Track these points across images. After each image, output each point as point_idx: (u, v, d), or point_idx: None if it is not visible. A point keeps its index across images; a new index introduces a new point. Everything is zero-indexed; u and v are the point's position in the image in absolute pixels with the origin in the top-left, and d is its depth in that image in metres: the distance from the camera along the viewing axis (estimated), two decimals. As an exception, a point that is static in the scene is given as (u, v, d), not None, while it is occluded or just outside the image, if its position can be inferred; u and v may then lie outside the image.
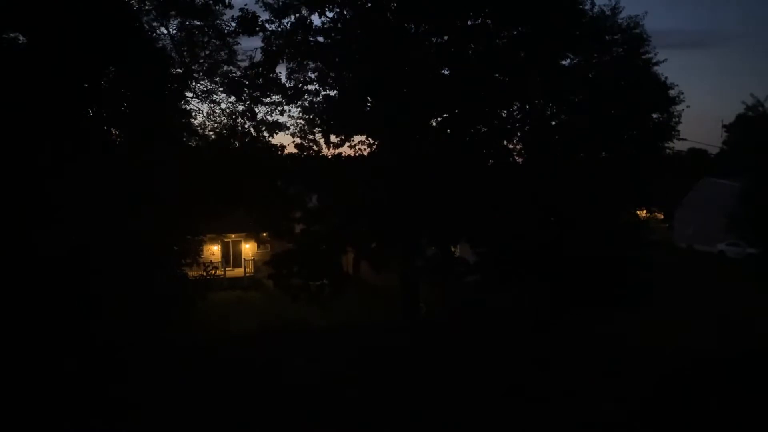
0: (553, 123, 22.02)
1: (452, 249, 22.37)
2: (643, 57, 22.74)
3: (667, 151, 23.66)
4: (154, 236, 13.16)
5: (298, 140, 21.21)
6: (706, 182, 50.06)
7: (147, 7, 16.91)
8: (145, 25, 16.92)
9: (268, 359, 16.11)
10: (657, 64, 22.92)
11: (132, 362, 12.47)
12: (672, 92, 22.79)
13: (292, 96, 20.77)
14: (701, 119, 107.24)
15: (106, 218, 11.57)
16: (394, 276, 22.01)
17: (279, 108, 20.78)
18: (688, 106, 23.16)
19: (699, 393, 13.67)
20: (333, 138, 21.19)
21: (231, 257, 41.68)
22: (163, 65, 16.06)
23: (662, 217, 61.49)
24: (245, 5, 18.23)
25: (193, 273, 16.76)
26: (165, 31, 18.15)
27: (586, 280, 17.87)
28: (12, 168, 10.74)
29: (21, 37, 13.01)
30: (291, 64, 20.45)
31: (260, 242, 33.58)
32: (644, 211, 26.25)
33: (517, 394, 13.81)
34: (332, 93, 21.14)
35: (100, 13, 12.80)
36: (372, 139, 21.20)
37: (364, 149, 21.28)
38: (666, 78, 22.78)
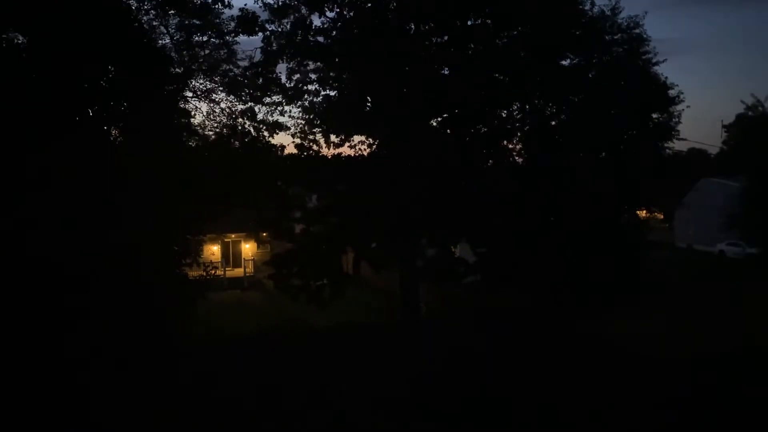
0: (553, 123, 22.02)
1: (452, 249, 22.36)
2: (643, 57, 22.74)
3: (667, 151, 23.68)
4: (154, 236, 13.14)
5: (298, 140, 21.22)
6: (706, 182, 50.02)
7: (146, 7, 16.89)
8: (145, 25, 16.89)
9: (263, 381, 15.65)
10: (657, 64, 22.95)
11: (121, 368, 12.16)
12: (672, 92, 22.82)
13: (292, 96, 20.77)
14: (701, 119, 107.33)
15: (105, 218, 11.55)
16: (395, 276, 22.00)
17: (279, 108, 20.78)
18: (688, 106, 23.32)
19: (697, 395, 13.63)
20: (333, 138, 21.23)
21: (231, 257, 41.71)
22: (163, 64, 16.04)
23: (662, 217, 61.46)
24: (245, 5, 18.23)
25: (193, 273, 16.72)
26: (164, 31, 18.13)
27: (585, 280, 17.85)
28: (9, 167, 10.72)
29: (20, 37, 13.00)
30: (291, 64, 20.47)
31: (260, 242, 33.57)
32: (644, 211, 26.20)
33: (520, 398, 13.74)
34: (332, 93, 21.16)
35: (99, 12, 12.78)
36: (372, 139, 21.22)
37: (364, 149, 21.31)
38: (666, 78, 22.82)
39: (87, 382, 11.31)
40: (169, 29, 18.18)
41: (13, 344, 10.50)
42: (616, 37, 22.43)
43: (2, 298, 10.35)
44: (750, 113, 22.45)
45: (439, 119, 21.71)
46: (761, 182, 21.84)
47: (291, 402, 13.21)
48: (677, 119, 23.49)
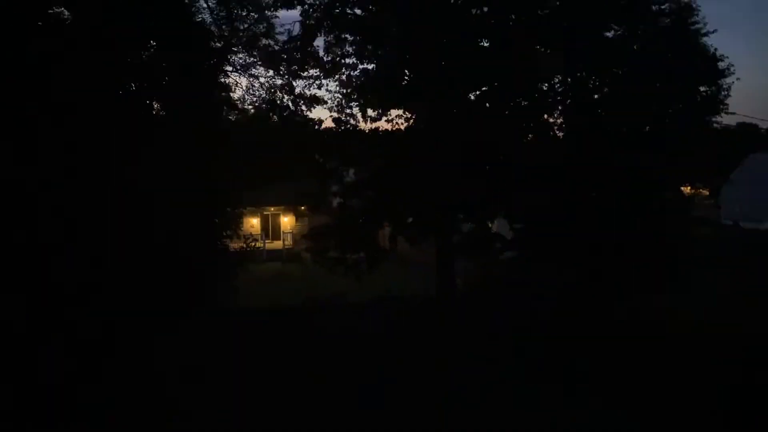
0: (596, 96, 21.45)
1: (489, 225, 22.20)
2: (692, 28, 21.84)
3: (715, 125, 22.79)
4: (196, 208, 13.44)
5: (335, 114, 21.24)
6: (755, 158, 48.37)
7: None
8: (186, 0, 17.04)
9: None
10: (706, 35, 22.00)
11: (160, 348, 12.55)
12: (722, 64, 21.89)
13: (329, 70, 20.75)
14: (754, 92, 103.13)
15: (148, 192, 11.85)
16: (432, 250, 22.02)
17: (317, 82, 20.84)
18: (738, 79, 22.08)
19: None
20: (370, 112, 21.16)
21: (270, 230, 42.44)
22: (203, 39, 16.21)
23: (708, 193, 59.74)
24: (283, -23, 18.22)
25: (234, 245, 17.08)
26: (205, 5, 18.28)
27: (627, 257, 17.51)
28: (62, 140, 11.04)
29: (66, 12, 13.28)
30: (329, 38, 20.39)
31: (298, 215, 34.03)
32: (689, 188, 25.50)
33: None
34: (370, 67, 21.03)
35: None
36: (409, 113, 21.08)
37: (402, 123, 21.20)
38: (716, 50, 21.87)
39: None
40: (210, 3, 18.33)
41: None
42: (663, 7, 21.59)
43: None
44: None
45: (478, 93, 21.40)
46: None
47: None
48: (726, 92, 22.57)
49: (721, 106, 22.43)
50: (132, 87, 14.48)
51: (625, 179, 18.34)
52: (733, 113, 25.24)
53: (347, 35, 20.50)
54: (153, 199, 11.92)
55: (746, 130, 58.97)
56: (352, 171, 22.37)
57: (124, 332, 11.36)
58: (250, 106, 20.91)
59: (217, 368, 12.95)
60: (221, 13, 18.43)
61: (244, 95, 20.65)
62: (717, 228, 45.92)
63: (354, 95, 21.13)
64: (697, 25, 21.86)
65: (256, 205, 38.47)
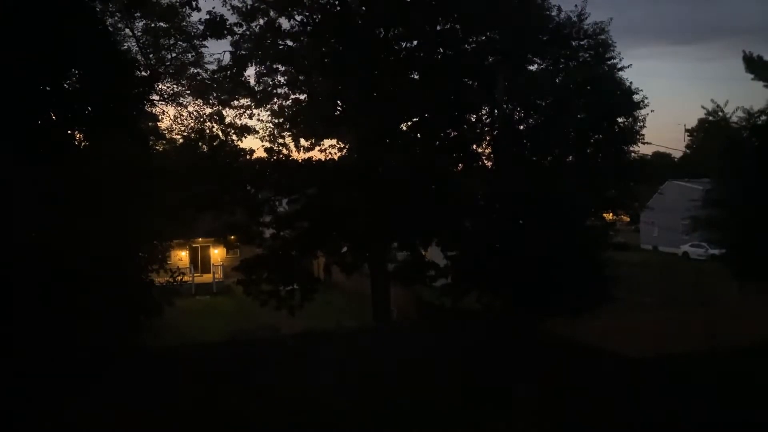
0: (521, 127, 22.20)
1: (423, 253, 22.40)
2: (609, 62, 23.02)
3: (632, 155, 23.97)
4: (119, 243, 12.86)
5: (267, 144, 21.08)
6: (670, 185, 51.12)
7: (111, 9, 16.62)
8: (110, 27, 16.62)
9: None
10: (622, 69, 23.23)
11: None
12: (636, 97, 23.08)
13: (261, 99, 20.65)
14: (665, 123, 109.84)
15: (67, 223, 11.27)
16: (366, 280, 21.96)
17: (248, 111, 20.67)
18: (652, 111, 23.29)
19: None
20: (303, 142, 21.13)
21: (200, 263, 41.23)
22: (128, 67, 15.78)
23: (628, 219, 62.50)
24: (213, 8, 18.05)
25: (160, 279, 16.40)
26: (130, 33, 17.90)
27: (552, 282, 17.97)
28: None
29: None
30: (260, 68, 20.33)
31: (229, 247, 33.24)
32: (611, 214, 26.56)
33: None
34: (302, 97, 21.06)
35: (61, 14, 12.50)
36: (342, 143, 21.17)
37: (335, 153, 21.25)
38: (631, 83, 23.09)
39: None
40: (135, 32, 17.98)
41: None
42: (582, 43, 22.69)
43: None
44: (711, 118, 22.94)
45: (410, 123, 21.77)
46: (723, 186, 22.38)
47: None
48: (642, 123, 23.79)
49: (638, 137, 23.59)
50: (52, 117, 13.89)
51: (549, 206, 18.92)
52: (649, 143, 26.58)
53: (279, 66, 20.51)
54: (75, 236, 11.32)
55: (661, 159, 62.48)
56: (284, 201, 22.16)
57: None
58: (179, 136, 20.51)
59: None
60: (147, 41, 18.07)
61: (171, 124, 20.26)
62: (637, 252, 48.12)
63: (286, 125, 21.08)
64: (614, 60, 23.07)
65: (185, 238, 37.42)
